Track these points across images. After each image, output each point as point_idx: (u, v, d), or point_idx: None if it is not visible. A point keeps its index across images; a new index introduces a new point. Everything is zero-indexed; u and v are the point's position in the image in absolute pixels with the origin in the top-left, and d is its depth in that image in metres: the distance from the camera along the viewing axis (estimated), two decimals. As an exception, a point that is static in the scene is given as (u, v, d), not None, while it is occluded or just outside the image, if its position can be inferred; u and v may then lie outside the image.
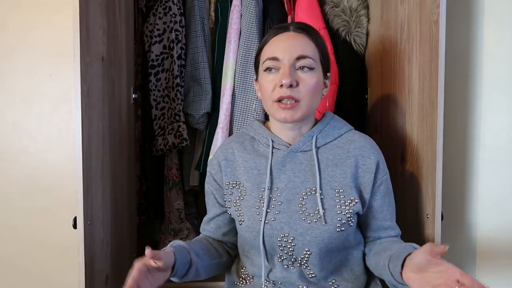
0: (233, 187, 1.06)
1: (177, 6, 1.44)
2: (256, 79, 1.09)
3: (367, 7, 1.47)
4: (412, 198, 1.20)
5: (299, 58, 0.99)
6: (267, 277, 1.02)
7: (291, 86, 0.97)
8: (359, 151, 1.02)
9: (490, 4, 1.41)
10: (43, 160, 1.55)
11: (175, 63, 1.42)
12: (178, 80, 1.43)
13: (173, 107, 1.44)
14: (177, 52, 1.43)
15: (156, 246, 1.56)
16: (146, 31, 1.48)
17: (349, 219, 0.98)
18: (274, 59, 1.00)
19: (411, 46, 1.19)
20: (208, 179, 1.12)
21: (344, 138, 1.05)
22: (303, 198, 0.99)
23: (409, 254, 0.89)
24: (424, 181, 1.14)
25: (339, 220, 0.97)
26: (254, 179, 1.03)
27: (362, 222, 1.06)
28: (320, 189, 0.99)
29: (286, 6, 1.46)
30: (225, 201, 1.08)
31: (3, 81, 1.54)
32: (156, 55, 1.44)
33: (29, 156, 1.55)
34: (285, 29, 1.03)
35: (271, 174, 1.02)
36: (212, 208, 1.12)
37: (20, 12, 1.53)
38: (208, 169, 1.12)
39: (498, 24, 1.41)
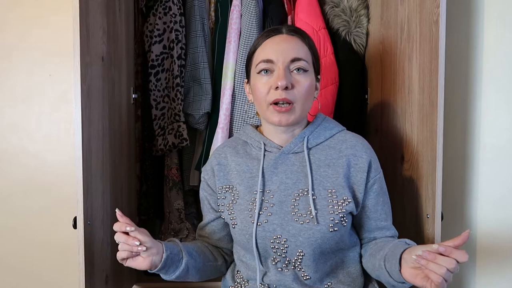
0: (226, 191, 1.07)
1: (177, 6, 1.44)
2: (248, 82, 1.09)
3: (367, 7, 1.47)
4: (412, 198, 1.20)
5: (293, 60, 1.00)
6: (262, 280, 1.02)
7: (286, 88, 0.98)
8: (351, 151, 1.03)
9: (490, 4, 1.41)
10: (43, 160, 1.55)
11: (175, 63, 1.42)
12: (178, 80, 1.43)
13: (173, 107, 1.44)
14: (177, 52, 1.43)
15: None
16: (146, 31, 1.48)
17: (342, 218, 0.98)
18: (269, 61, 1.00)
19: (411, 46, 1.19)
20: (202, 185, 1.13)
21: (336, 139, 1.06)
22: (296, 199, 0.99)
23: (404, 251, 0.89)
24: (424, 181, 1.14)
25: (332, 220, 0.97)
26: (246, 182, 1.04)
27: (357, 223, 1.06)
28: (312, 189, 0.99)
29: (286, 6, 1.46)
30: (219, 205, 1.08)
31: (3, 81, 1.54)
32: (156, 55, 1.44)
33: (29, 156, 1.55)
34: (278, 31, 1.04)
35: (263, 176, 1.03)
36: (207, 214, 1.13)
37: (20, 12, 1.53)
38: (202, 175, 1.13)
39: (498, 24, 1.41)
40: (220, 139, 1.37)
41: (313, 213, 0.96)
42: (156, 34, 1.44)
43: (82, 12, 1.03)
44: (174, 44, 1.42)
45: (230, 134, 1.40)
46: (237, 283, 1.09)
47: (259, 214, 0.99)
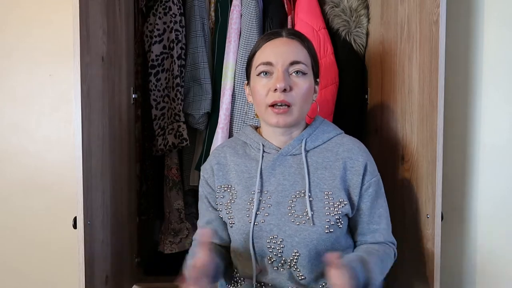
0: (224, 190, 1.08)
1: (177, 6, 1.44)
2: (247, 84, 1.11)
3: (367, 7, 1.47)
4: (412, 198, 1.20)
5: (292, 63, 1.02)
6: (257, 279, 1.03)
7: (284, 90, 1.00)
8: (347, 154, 1.04)
9: (490, 4, 1.41)
10: (43, 160, 1.55)
11: (175, 63, 1.42)
12: (178, 80, 1.43)
13: (173, 107, 1.44)
14: (177, 52, 1.43)
15: (156, 246, 1.56)
16: (146, 31, 1.48)
17: (338, 220, 0.99)
18: (268, 64, 1.02)
19: (411, 46, 1.19)
20: (201, 183, 1.13)
21: (333, 142, 1.07)
22: (293, 201, 1.01)
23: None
24: (424, 181, 1.14)
25: (328, 221, 0.98)
26: (245, 183, 1.05)
27: (352, 226, 1.07)
28: (309, 191, 1.00)
29: (286, 6, 1.46)
30: (217, 204, 1.09)
31: (3, 81, 1.54)
32: (156, 55, 1.44)
33: (29, 156, 1.55)
34: (278, 35, 1.06)
35: (261, 177, 1.04)
36: (206, 213, 1.12)
37: (20, 12, 1.53)
38: (201, 173, 1.14)
39: (498, 24, 1.41)
40: (220, 139, 1.37)
41: (309, 215, 0.98)
42: (156, 34, 1.44)
43: (82, 12, 1.03)
44: (174, 44, 1.42)
45: (230, 134, 1.40)
46: (234, 281, 1.09)
47: (256, 214, 1.01)
